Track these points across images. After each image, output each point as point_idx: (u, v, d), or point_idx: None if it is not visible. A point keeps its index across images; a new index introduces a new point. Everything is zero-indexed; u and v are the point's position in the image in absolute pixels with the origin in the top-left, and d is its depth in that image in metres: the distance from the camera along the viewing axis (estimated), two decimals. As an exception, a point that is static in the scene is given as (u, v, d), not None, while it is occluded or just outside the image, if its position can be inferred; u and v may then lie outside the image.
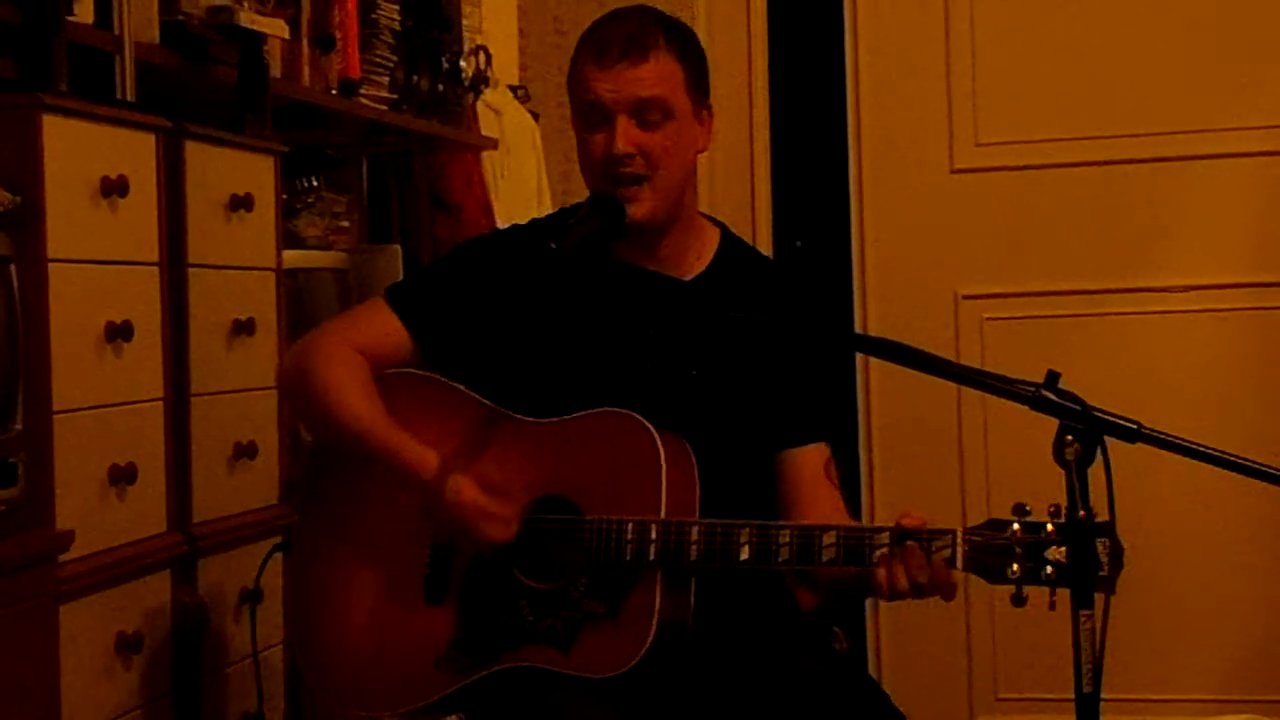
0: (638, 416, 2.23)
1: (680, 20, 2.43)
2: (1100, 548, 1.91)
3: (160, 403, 2.62)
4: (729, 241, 2.47)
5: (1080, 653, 1.85)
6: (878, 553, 2.09)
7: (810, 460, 2.36)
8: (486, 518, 2.20)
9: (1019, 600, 2.00)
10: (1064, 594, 1.95)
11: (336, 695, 2.35)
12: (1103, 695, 1.86)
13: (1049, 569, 1.98)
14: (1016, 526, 2.01)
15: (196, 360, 2.73)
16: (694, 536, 2.15)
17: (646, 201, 2.31)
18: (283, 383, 2.57)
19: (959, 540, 2.05)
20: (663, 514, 2.18)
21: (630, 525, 2.17)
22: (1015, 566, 2.00)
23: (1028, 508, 2.02)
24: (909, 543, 2.07)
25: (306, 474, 2.48)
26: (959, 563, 2.05)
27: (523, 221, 2.57)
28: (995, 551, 2.02)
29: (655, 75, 2.29)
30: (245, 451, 2.86)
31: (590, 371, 2.33)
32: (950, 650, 4.45)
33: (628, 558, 2.17)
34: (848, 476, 2.43)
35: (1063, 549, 1.97)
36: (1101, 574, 1.91)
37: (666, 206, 2.34)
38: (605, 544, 2.19)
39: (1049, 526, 1.99)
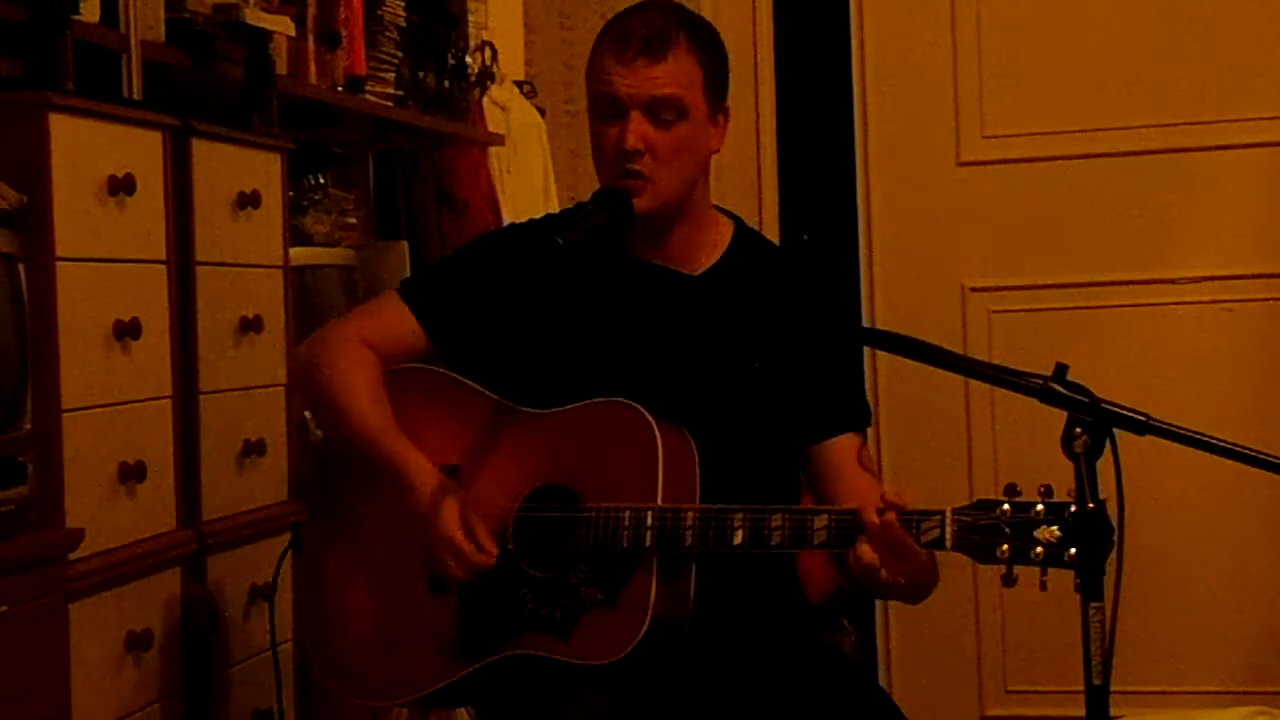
0: (636, 405, 2.24)
1: (704, 19, 2.42)
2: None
3: (169, 400, 2.62)
4: (742, 234, 2.47)
5: (1089, 644, 1.85)
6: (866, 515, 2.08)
7: (843, 451, 2.36)
8: (457, 558, 2.22)
9: (1009, 580, 1.99)
10: (1054, 575, 1.95)
11: (345, 685, 2.37)
12: (1112, 687, 1.86)
13: (1038, 549, 1.97)
14: (1006, 506, 2.01)
15: (205, 358, 2.73)
16: (689, 522, 2.16)
17: (647, 199, 2.32)
18: (295, 377, 2.58)
19: (948, 519, 2.05)
20: (659, 501, 2.19)
21: (627, 512, 2.19)
22: (1005, 546, 1.99)
23: (1018, 488, 2.02)
24: (887, 515, 2.06)
25: (316, 468, 2.49)
26: (948, 542, 2.04)
27: (530, 217, 2.58)
28: (984, 531, 2.02)
29: (672, 74, 2.29)
30: (254, 448, 2.86)
31: (600, 366, 2.34)
32: (960, 642, 4.45)
33: (625, 544, 2.18)
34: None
35: (1053, 529, 1.96)
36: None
37: (669, 203, 2.34)
38: (603, 531, 2.20)
39: (1039, 506, 1.98)
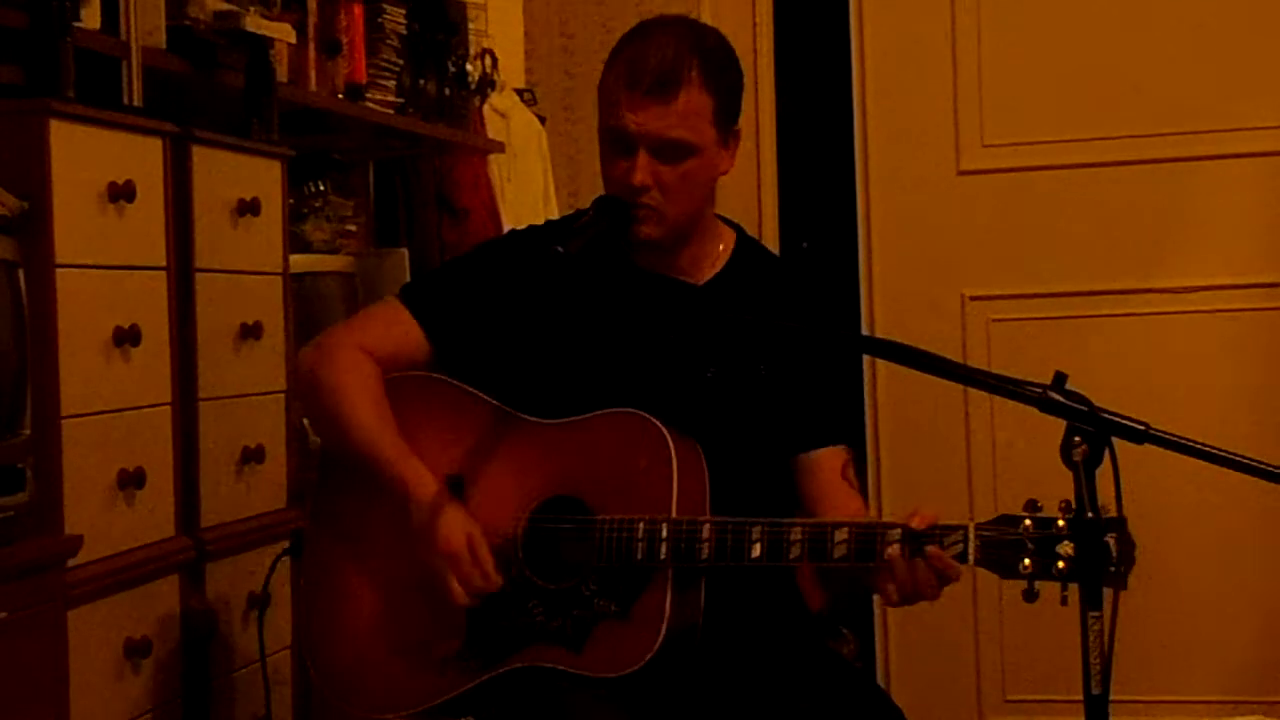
0: (649, 416, 2.23)
1: (718, 39, 2.38)
2: (1111, 542, 1.91)
3: (168, 407, 2.62)
4: (744, 245, 2.47)
5: (1089, 654, 1.85)
6: (889, 549, 2.07)
7: (827, 463, 2.36)
8: (462, 577, 2.20)
9: (1031, 595, 2.00)
10: (1076, 590, 1.95)
11: (345, 697, 2.34)
12: (1112, 696, 1.86)
13: (1061, 564, 1.97)
14: (1028, 522, 2.01)
15: (204, 365, 2.73)
16: (705, 535, 2.15)
17: (655, 227, 2.32)
18: (297, 386, 2.57)
19: (971, 535, 2.05)
20: (673, 513, 2.18)
21: (641, 524, 2.17)
22: (1027, 561, 2.00)
23: (1039, 504, 2.02)
24: (928, 548, 2.06)
25: (318, 475, 2.48)
26: (971, 557, 2.05)
27: (530, 224, 2.58)
28: (1007, 546, 2.02)
29: (682, 114, 2.27)
30: (253, 456, 2.86)
31: (604, 374, 2.34)
32: (959, 651, 4.45)
33: (639, 557, 2.17)
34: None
35: (1074, 544, 1.96)
36: (1113, 569, 1.91)
37: (676, 231, 2.35)
38: (616, 543, 2.19)
39: (1060, 522, 1.99)
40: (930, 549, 2.06)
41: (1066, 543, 1.97)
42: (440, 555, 2.21)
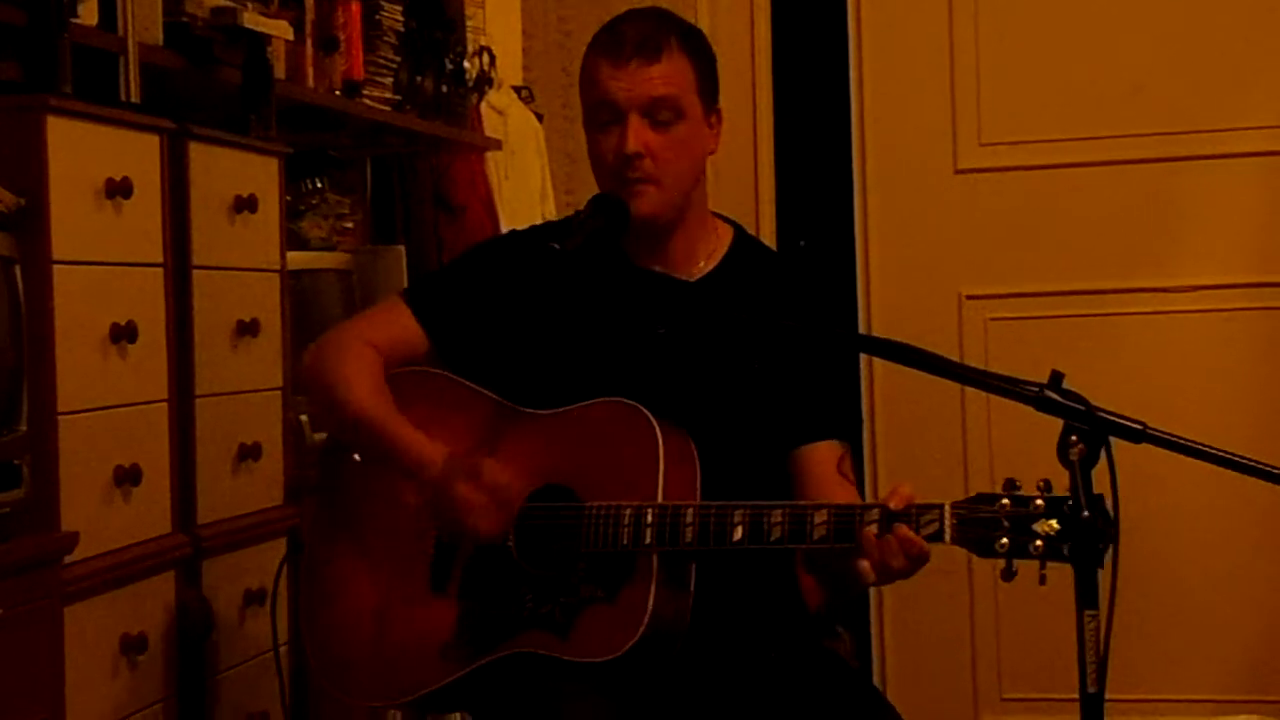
0: (637, 405, 2.25)
1: (691, 23, 2.45)
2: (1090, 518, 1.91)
3: (165, 404, 2.62)
4: (741, 241, 2.48)
5: (1085, 652, 1.85)
6: (868, 527, 2.08)
7: (823, 457, 2.37)
8: (484, 513, 2.22)
9: (1008, 574, 2.00)
10: (1054, 582, 1.95)
11: (343, 686, 2.37)
12: (1108, 695, 1.86)
13: (1038, 542, 1.97)
14: (1005, 500, 2.01)
15: (201, 361, 2.73)
16: (689, 519, 2.16)
17: (653, 199, 2.33)
18: (302, 378, 2.60)
19: (947, 514, 2.05)
20: (660, 499, 2.19)
21: (627, 510, 2.19)
22: (1004, 540, 1.99)
23: (1017, 483, 2.02)
24: (896, 524, 2.06)
25: (319, 470, 2.50)
26: (947, 536, 2.05)
27: (526, 222, 2.59)
28: (983, 525, 2.02)
29: (667, 75, 2.32)
30: (250, 453, 2.86)
31: (598, 370, 2.35)
32: (955, 650, 4.45)
33: (625, 542, 2.18)
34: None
35: (1051, 522, 1.96)
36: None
37: (673, 206, 2.36)
38: (603, 529, 2.20)
39: (1038, 500, 1.99)
40: (896, 526, 2.06)
41: (1043, 521, 1.97)
42: (461, 504, 2.22)
